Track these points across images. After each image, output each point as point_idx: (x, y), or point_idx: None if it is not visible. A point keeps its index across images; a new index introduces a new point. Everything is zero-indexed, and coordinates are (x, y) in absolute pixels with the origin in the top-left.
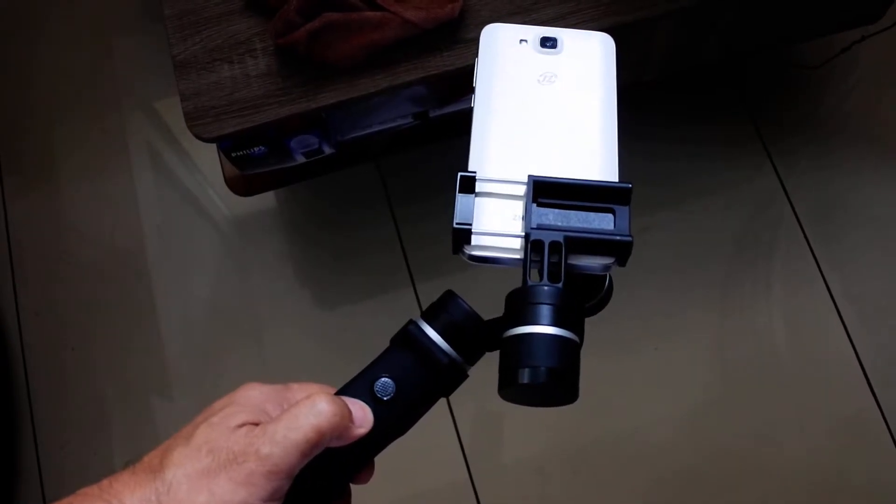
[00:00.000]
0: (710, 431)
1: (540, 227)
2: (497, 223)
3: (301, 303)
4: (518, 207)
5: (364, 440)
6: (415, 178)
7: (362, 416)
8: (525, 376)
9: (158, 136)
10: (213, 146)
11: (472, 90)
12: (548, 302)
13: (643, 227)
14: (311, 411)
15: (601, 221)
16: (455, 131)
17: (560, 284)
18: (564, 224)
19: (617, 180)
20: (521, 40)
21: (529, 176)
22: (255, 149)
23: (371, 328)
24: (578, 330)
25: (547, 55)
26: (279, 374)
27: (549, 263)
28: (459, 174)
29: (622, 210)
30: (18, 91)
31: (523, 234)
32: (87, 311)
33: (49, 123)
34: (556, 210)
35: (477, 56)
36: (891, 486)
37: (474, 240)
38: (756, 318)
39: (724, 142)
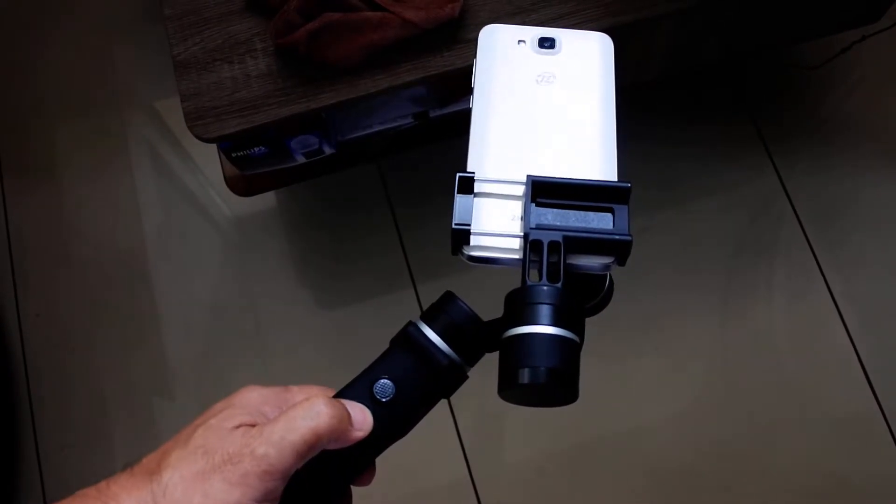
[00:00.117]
0: (711, 431)
1: (539, 227)
2: (496, 223)
3: (301, 303)
4: (517, 208)
5: (364, 442)
6: (415, 178)
7: (362, 418)
8: (525, 376)
9: (159, 136)
10: (214, 146)
11: (470, 91)
12: (547, 302)
13: (643, 228)
14: (308, 413)
15: (600, 221)
16: (455, 131)
17: (559, 284)
18: (563, 224)
19: (616, 180)
20: (520, 41)
21: (528, 176)
22: (256, 149)
23: (371, 329)
24: (578, 330)
25: (545, 55)
26: (279, 374)
27: (549, 263)
28: (458, 175)
29: (621, 209)
30: (19, 91)
31: (522, 234)
32: (88, 313)
33: (50, 124)
34: (555, 210)
35: (475, 57)
36: (892, 486)
37: (473, 240)
38: (757, 318)
39: (724, 142)
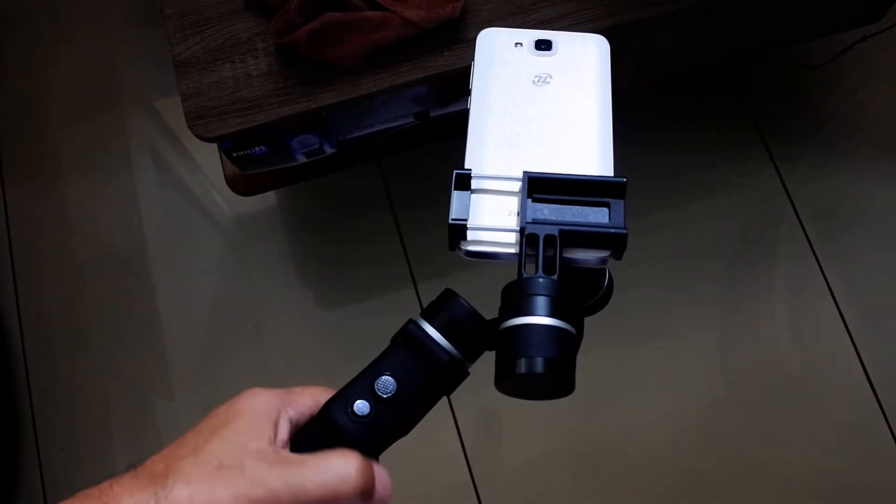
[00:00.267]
0: (711, 431)
1: (535, 222)
2: (493, 219)
3: (302, 302)
4: (514, 203)
5: (368, 439)
6: (416, 177)
7: (383, 490)
8: (522, 366)
9: (159, 135)
10: (215, 146)
11: (468, 92)
12: (543, 293)
13: (645, 228)
14: (339, 472)
15: (596, 215)
16: (456, 131)
17: (555, 276)
18: (559, 218)
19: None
20: (517, 44)
21: (524, 172)
22: (256, 148)
23: (372, 328)
24: (574, 322)
25: (542, 57)
26: (280, 373)
27: (545, 257)
28: (455, 172)
29: (617, 203)
30: (19, 91)
31: (518, 228)
32: (88, 312)
33: (51, 124)
34: (552, 205)
35: (473, 60)
36: (892, 486)
37: (470, 235)
38: (758, 318)
39: (725, 142)
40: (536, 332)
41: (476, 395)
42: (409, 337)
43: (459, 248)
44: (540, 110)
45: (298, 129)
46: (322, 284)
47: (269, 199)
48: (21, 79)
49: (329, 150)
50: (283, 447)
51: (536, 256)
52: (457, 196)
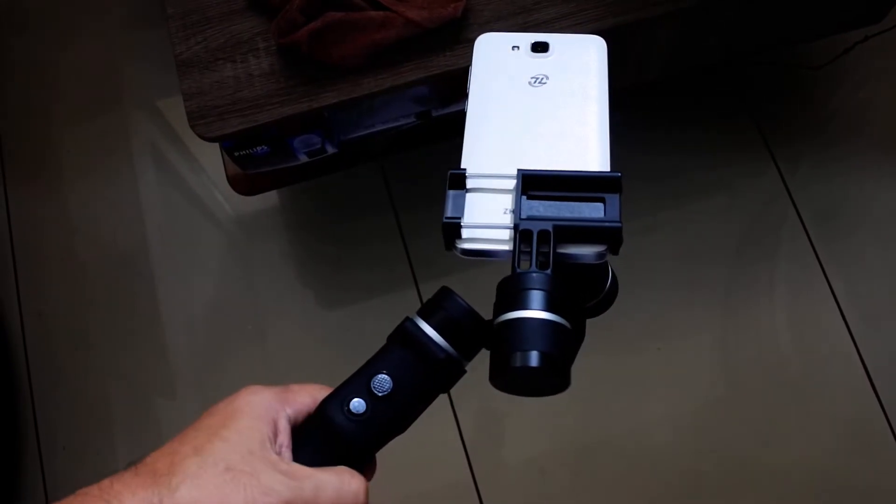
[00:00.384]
0: (712, 432)
1: (530, 218)
2: (487, 217)
3: (303, 302)
4: (509, 201)
5: (365, 437)
6: (418, 177)
7: None
8: (516, 360)
9: (161, 135)
10: (216, 145)
11: (465, 95)
12: (537, 287)
13: (646, 228)
14: (351, 488)
15: (591, 211)
16: (458, 131)
17: (549, 271)
18: (554, 214)
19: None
20: (514, 47)
21: (518, 170)
22: (258, 148)
23: (373, 327)
24: (571, 319)
25: (538, 59)
26: (281, 373)
27: (539, 253)
28: (449, 172)
29: (612, 198)
30: (21, 91)
31: (512, 225)
32: (90, 312)
33: (52, 123)
34: (547, 202)
35: (471, 64)
36: (893, 485)
37: (465, 233)
38: (759, 318)
39: (726, 142)
40: (531, 325)
41: (477, 395)
42: (405, 335)
43: (455, 247)
44: (536, 110)
45: (300, 128)
46: (323, 284)
47: (270, 198)
48: (23, 79)
49: (331, 149)
50: (286, 448)
51: (531, 252)
52: (452, 195)
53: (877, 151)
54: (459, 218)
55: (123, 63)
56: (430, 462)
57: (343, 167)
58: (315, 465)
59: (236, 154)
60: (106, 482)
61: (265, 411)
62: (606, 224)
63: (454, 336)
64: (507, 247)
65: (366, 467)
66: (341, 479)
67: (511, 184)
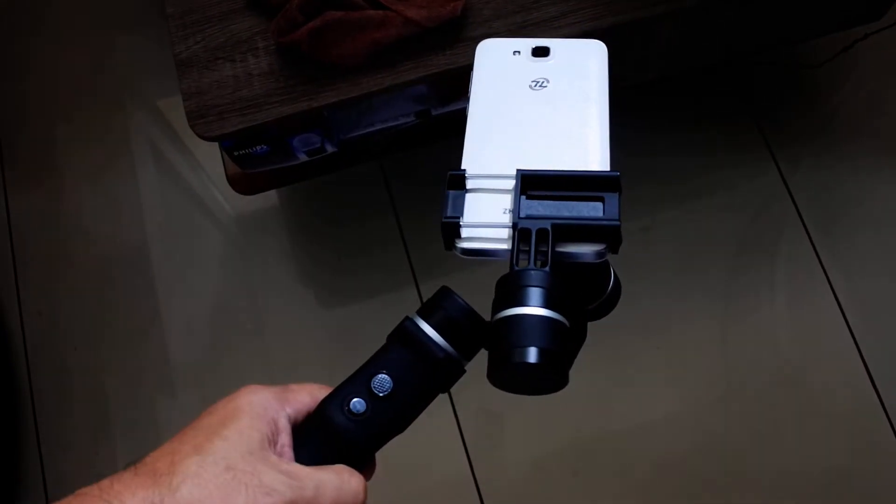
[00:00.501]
0: (712, 431)
1: (528, 217)
2: (486, 216)
3: (303, 301)
4: (508, 201)
5: (364, 437)
6: (417, 176)
7: None
8: (514, 356)
9: (161, 134)
10: (216, 145)
11: (466, 98)
12: (535, 284)
13: (646, 227)
14: (351, 488)
15: (590, 210)
16: (458, 130)
17: (547, 269)
18: (553, 213)
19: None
20: (515, 52)
21: (518, 170)
22: (258, 147)
23: (374, 327)
24: (571, 318)
25: (539, 63)
26: (281, 372)
27: (537, 251)
28: (449, 172)
29: (611, 197)
30: (21, 90)
31: (511, 224)
32: (90, 311)
33: (51, 122)
34: (546, 202)
35: (472, 70)
36: (893, 484)
37: (464, 232)
38: (759, 317)
39: (726, 141)
40: (529, 322)
41: (477, 394)
42: (405, 334)
43: (454, 247)
44: (536, 112)
45: (300, 127)
46: (323, 283)
47: (270, 197)
48: (23, 79)
49: (330, 148)
50: (287, 447)
51: (529, 251)
52: (451, 195)
53: (877, 149)
54: (458, 217)
55: (123, 63)
56: (431, 462)
57: (343, 166)
58: (315, 465)
59: (236, 153)
60: (106, 482)
61: (265, 411)
62: (605, 222)
63: (454, 336)
64: (506, 246)
65: (365, 467)
66: (341, 479)
67: (510, 184)
